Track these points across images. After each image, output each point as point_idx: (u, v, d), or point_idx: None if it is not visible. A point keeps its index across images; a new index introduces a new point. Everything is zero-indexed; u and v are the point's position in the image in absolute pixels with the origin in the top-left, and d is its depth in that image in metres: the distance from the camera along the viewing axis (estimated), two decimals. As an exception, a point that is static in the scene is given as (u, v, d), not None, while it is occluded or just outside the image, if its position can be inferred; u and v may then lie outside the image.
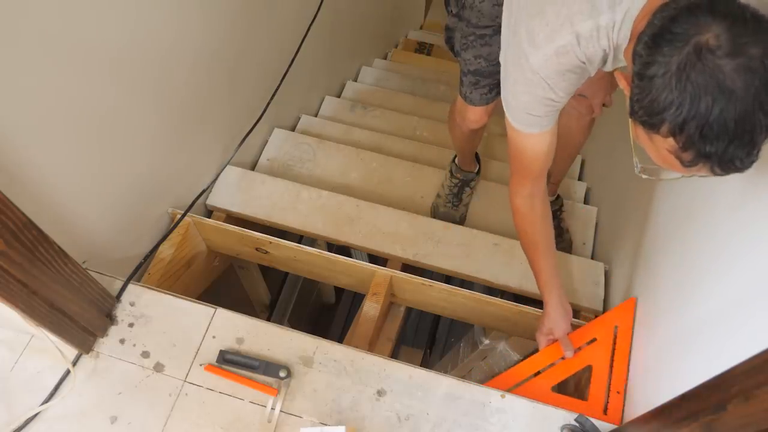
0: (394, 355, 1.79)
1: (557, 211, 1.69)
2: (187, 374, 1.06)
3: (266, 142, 1.91)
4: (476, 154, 1.74)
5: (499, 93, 1.08)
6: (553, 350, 1.23)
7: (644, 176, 0.81)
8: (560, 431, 1.03)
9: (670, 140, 0.66)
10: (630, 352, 1.18)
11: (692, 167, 0.67)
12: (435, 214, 1.75)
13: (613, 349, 1.20)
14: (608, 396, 1.16)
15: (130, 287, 1.15)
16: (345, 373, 1.08)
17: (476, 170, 1.75)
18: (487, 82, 1.29)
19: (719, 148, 0.63)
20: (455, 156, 1.73)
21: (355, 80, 2.74)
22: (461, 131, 1.48)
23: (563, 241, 1.68)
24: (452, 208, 1.73)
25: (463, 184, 1.72)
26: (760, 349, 0.60)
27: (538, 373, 1.24)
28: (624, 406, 1.14)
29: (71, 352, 1.05)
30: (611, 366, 1.19)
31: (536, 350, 1.29)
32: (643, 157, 0.77)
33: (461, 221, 1.73)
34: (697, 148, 0.64)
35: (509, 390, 1.13)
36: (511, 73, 0.96)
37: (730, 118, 0.61)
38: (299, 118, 2.13)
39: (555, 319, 1.23)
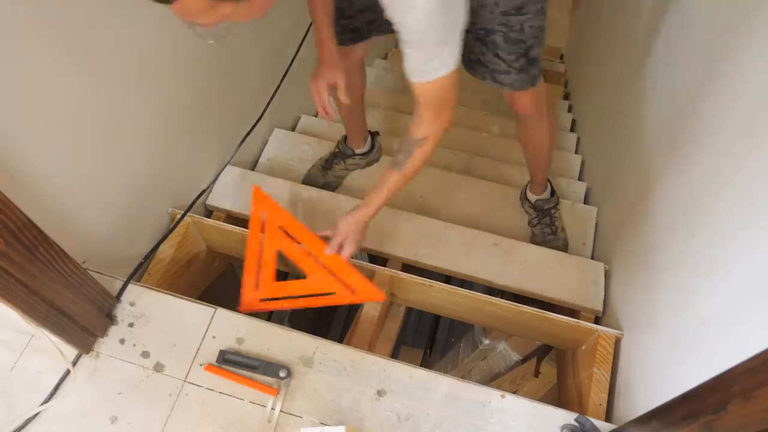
0: (394, 355, 1.79)
1: (552, 209, 1.69)
2: (187, 374, 1.06)
3: (266, 142, 1.91)
4: (372, 134, 1.81)
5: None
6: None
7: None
8: (560, 431, 1.03)
9: None
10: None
11: None
12: (304, 178, 1.82)
13: (283, 228, 1.32)
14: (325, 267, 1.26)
15: (130, 287, 1.15)
16: (345, 373, 1.08)
17: (362, 151, 1.81)
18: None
19: None
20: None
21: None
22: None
23: (557, 240, 1.68)
24: (320, 171, 1.81)
25: (336, 156, 1.80)
26: (760, 349, 0.60)
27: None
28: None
29: (71, 352, 1.05)
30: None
31: (537, 349, 1.29)
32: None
33: (324, 187, 1.76)
34: None
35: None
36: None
37: None
38: (299, 118, 2.13)
39: (331, 68, 1.28)
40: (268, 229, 1.33)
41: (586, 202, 1.92)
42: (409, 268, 1.59)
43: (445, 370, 2.13)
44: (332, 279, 1.25)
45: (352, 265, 1.27)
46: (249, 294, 1.26)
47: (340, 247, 1.27)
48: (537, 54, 1.26)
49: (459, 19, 0.95)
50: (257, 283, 1.27)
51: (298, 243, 1.30)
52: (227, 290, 1.32)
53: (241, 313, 1.16)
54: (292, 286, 1.27)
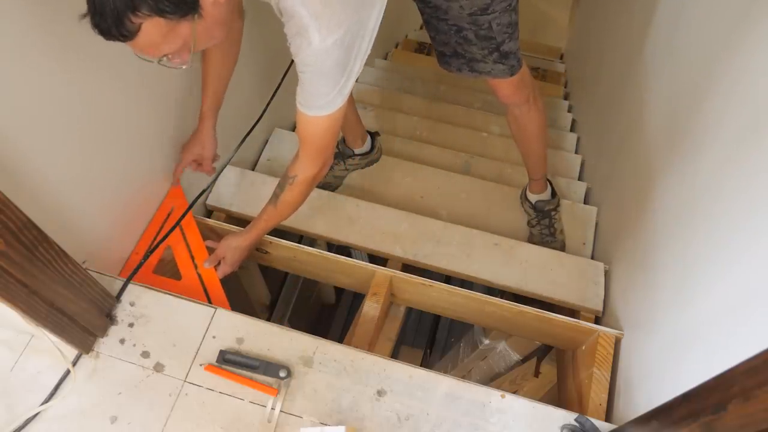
0: (394, 355, 1.79)
1: (552, 211, 1.69)
2: (187, 374, 1.06)
3: (266, 142, 1.91)
4: (372, 134, 1.81)
5: None
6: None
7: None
8: (560, 431, 1.03)
9: None
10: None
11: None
12: None
13: (181, 228, 1.38)
14: (199, 275, 1.33)
15: (130, 287, 1.15)
16: (345, 373, 1.08)
17: (361, 151, 1.79)
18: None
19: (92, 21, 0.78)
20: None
21: (356, 80, 2.74)
22: None
23: (555, 242, 1.68)
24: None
25: (335, 156, 1.77)
26: (760, 349, 0.60)
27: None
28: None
29: (71, 352, 1.05)
30: (187, 243, 1.37)
31: (537, 349, 1.29)
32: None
33: (325, 188, 1.76)
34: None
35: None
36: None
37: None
38: (299, 118, 2.12)
39: (209, 143, 1.41)
40: (169, 223, 1.38)
41: (586, 202, 1.92)
42: (409, 268, 1.59)
43: (445, 370, 2.13)
44: (201, 290, 1.31)
45: (221, 286, 1.33)
46: (134, 257, 1.33)
47: (218, 263, 1.35)
48: (510, 48, 1.28)
49: (355, 64, 1.01)
50: (141, 257, 1.31)
51: (188, 246, 1.37)
52: (227, 290, 1.33)
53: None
54: (164, 282, 1.30)
